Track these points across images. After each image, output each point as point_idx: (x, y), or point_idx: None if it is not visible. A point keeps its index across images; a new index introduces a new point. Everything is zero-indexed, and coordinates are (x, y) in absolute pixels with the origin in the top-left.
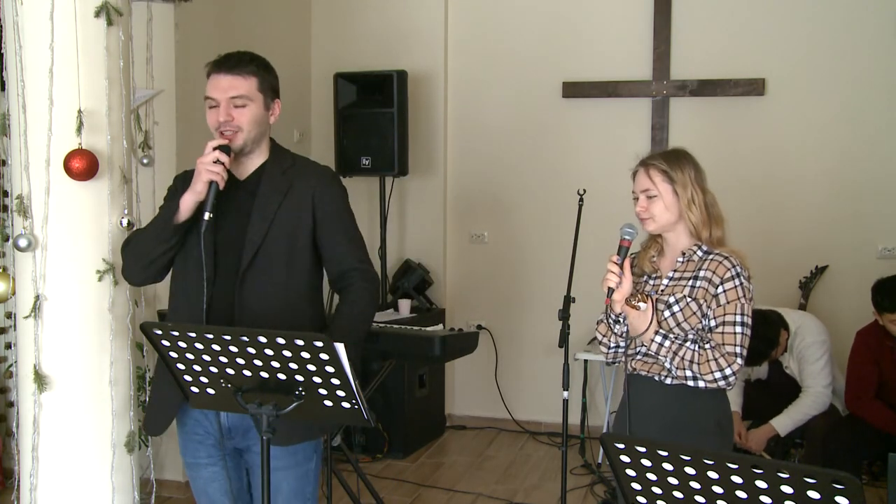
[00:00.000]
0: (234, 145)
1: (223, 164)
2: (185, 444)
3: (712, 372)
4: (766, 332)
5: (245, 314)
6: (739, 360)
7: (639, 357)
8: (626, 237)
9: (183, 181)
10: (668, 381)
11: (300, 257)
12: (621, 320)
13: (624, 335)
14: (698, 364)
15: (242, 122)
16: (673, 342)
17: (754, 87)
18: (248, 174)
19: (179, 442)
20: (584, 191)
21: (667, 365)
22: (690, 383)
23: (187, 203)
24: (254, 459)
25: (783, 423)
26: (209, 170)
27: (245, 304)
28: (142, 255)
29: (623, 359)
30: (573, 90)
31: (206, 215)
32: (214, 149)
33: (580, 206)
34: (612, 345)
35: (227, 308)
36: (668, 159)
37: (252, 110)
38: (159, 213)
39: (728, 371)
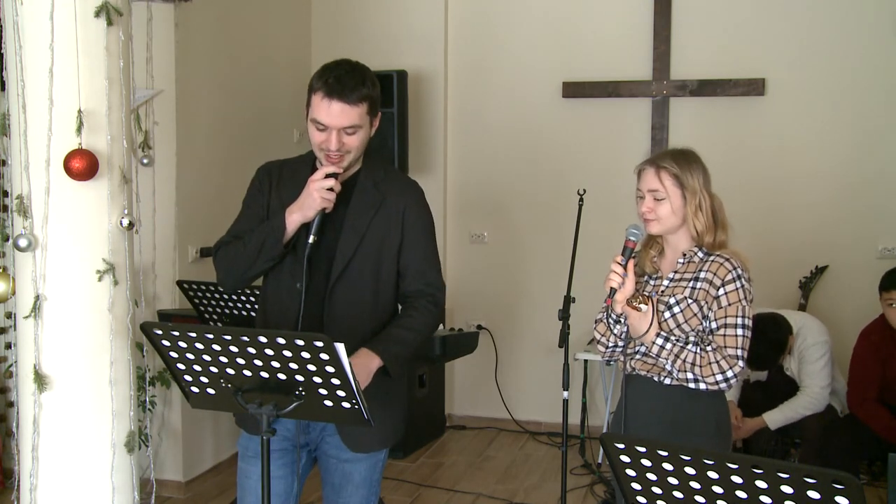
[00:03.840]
0: (340, 168)
1: (334, 190)
2: (247, 436)
3: (714, 374)
4: (778, 337)
5: (333, 324)
6: (741, 363)
7: (638, 357)
8: (632, 238)
9: (268, 175)
10: (668, 381)
11: (387, 270)
12: (622, 321)
13: (623, 335)
14: (700, 367)
15: (352, 148)
16: (674, 345)
17: (754, 87)
18: (342, 182)
19: (242, 435)
20: (584, 191)
21: (668, 367)
22: (692, 385)
23: (295, 223)
24: (325, 450)
25: (774, 417)
26: (324, 197)
27: (334, 314)
28: (245, 268)
29: (621, 358)
30: (573, 90)
31: (311, 238)
32: (327, 176)
33: (580, 206)
34: (611, 344)
35: (317, 317)
36: (679, 162)
37: (361, 136)
38: (263, 226)
39: (730, 373)
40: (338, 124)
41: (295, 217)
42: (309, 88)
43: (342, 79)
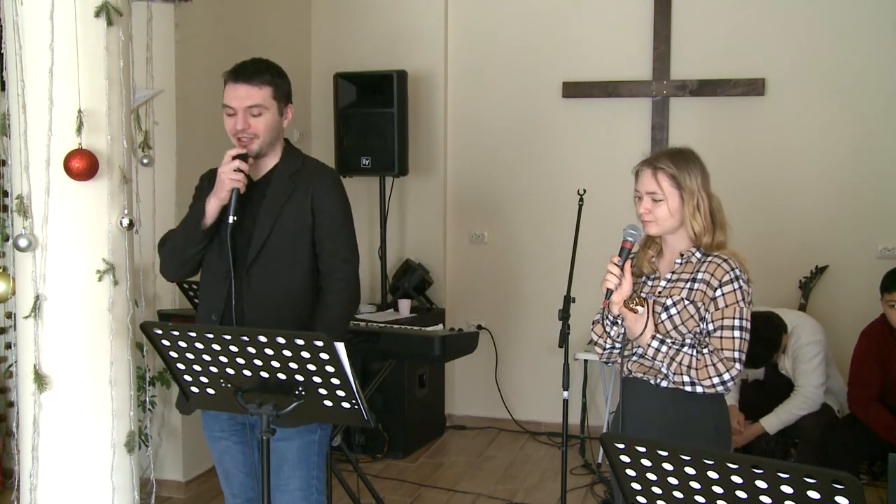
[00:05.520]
0: (250, 151)
1: (243, 171)
2: (205, 418)
3: (710, 377)
4: (771, 335)
5: (253, 304)
6: (738, 366)
7: (635, 359)
8: (629, 238)
9: (209, 180)
10: (664, 384)
11: (302, 254)
12: (619, 322)
13: (620, 337)
14: (696, 369)
15: (258, 130)
16: (670, 347)
17: (754, 87)
18: (261, 175)
19: (202, 417)
20: (584, 191)
21: (664, 370)
22: (688, 388)
23: (213, 208)
24: (257, 433)
25: (771, 422)
26: (231, 178)
27: (252, 295)
28: (176, 256)
29: (618, 359)
30: (573, 90)
31: (231, 219)
32: (234, 158)
33: (580, 206)
34: (608, 346)
35: (239, 298)
36: (677, 163)
37: (267, 118)
38: (188, 214)
39: (726, 376)
40: (242, 105)
41: (212, 202)
42: (224, 85)
43: (246, 65)
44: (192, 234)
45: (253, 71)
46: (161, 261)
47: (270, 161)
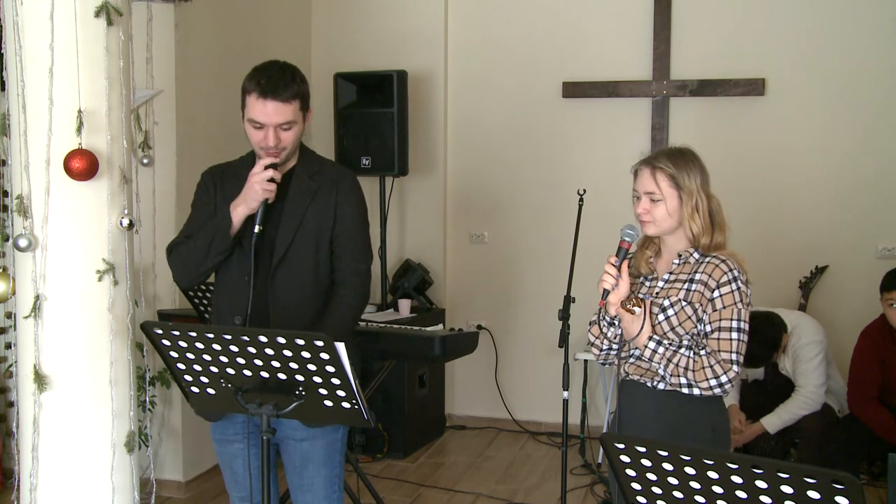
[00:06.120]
0: (279, 161)
1: (275, 180)
2: (215, 421)
3: (707, 379)
4: (771, 335)
5: (278, 307)
6: (735, 368)
7: (632, 361)
8: (627, 239)
9: (212, 177)
10: (662, 386)
11: (325, 253)
12: (616, 323)
13: (617, 338)
14: (693, 371)
15: (288, 143)
16: (667, 349)
17: (754, 87)
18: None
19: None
20: (585, 191)
21: (661, 372)
22: (685, 391)
23: (240, 216)
24: (282, 433)
25: (772, 421)
26: (265, 189)
27: (277, 298)
28: (198, 264)
29: (615, 361)
30: (573, 90)
31: (257, 228)
32: (266, 167)
33: (580, 206)
34: (605, 347)
35: (263, 302)
36: (676, 163)
37: (296, 130)
38: (205, 221)
39: (724, 378)
40: (274, 122)
41: (240, 210)
42: (242, 91)
43: (273, 78)
44: (218, 244)
45: (282, 85)
46: (174, 270)
47: (289, 163)
